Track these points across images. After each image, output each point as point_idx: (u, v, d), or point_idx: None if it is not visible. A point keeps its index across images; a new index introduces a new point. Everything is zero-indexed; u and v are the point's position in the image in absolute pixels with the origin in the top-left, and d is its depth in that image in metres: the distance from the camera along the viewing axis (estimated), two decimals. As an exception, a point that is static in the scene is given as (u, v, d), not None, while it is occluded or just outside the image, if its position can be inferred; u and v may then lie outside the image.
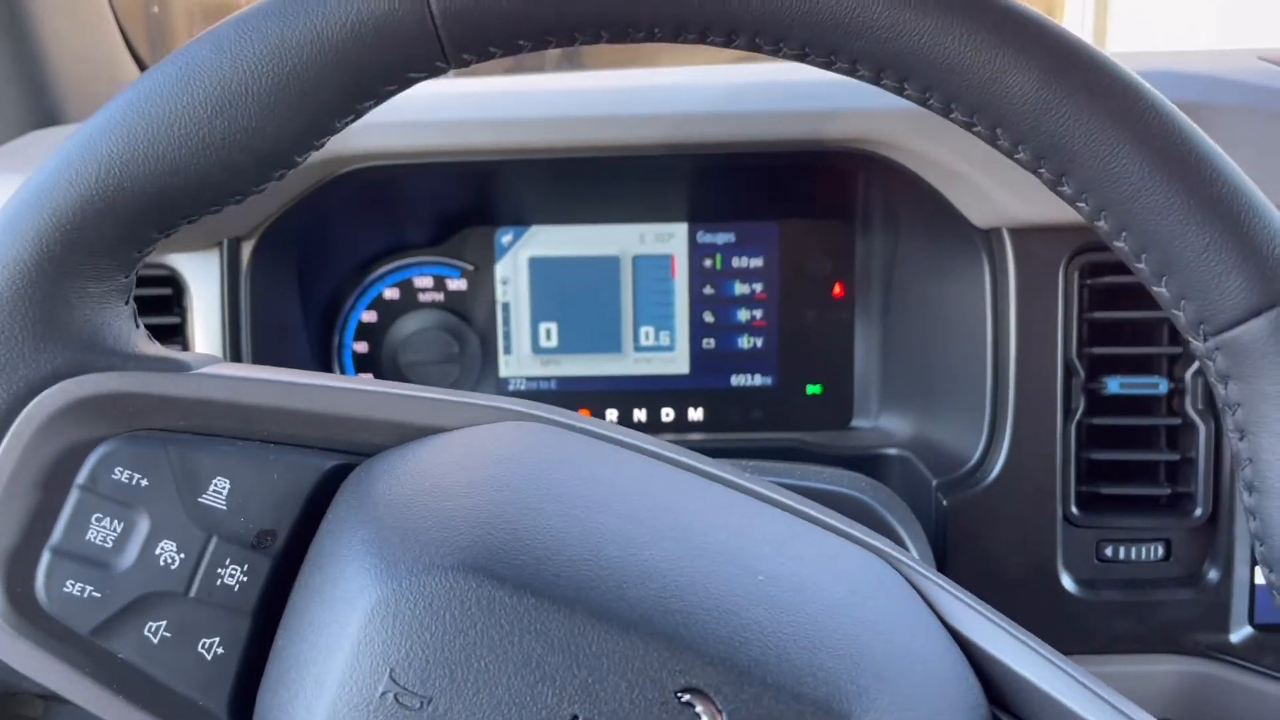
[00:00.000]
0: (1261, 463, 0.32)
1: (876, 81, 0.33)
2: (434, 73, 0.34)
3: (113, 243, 0.33)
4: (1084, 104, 0.31)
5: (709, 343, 0.83)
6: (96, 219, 0.32)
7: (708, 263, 0.82)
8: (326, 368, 0.82)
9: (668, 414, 0.84)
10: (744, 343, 0.83)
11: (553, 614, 0.29)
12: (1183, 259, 0.32)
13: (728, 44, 0.34)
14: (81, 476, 0.33)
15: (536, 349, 0.83)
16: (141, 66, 0.95)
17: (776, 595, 0.32)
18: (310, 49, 0.32)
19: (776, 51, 0.33)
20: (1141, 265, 0.33)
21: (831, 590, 0.33)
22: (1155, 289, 0.33)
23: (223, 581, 0.34)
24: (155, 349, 0.35)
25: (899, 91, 0.33)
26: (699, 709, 0.29)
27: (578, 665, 0.29)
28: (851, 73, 0.33)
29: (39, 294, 0.32)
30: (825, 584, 0.33)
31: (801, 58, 0.33)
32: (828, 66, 0.33)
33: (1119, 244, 0.33)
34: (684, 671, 0.29)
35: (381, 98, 0.34)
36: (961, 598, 0.36)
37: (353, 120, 0.34)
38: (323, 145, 0.34)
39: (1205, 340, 0.33)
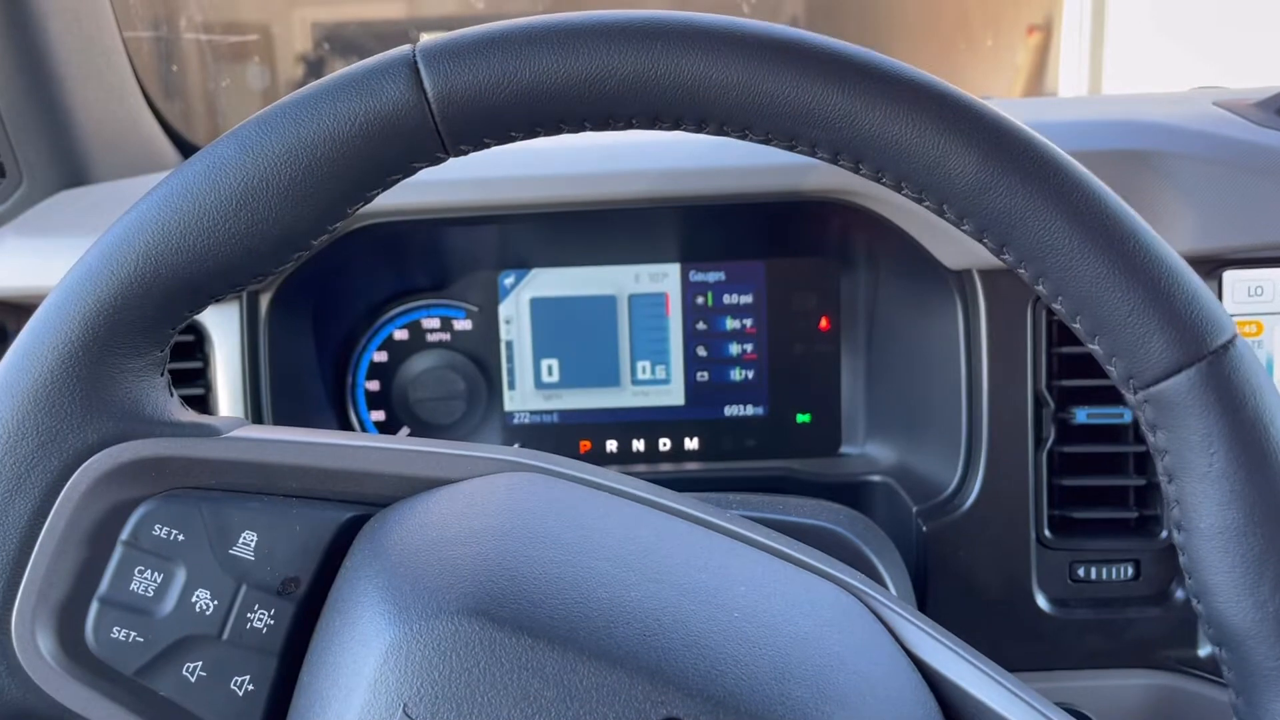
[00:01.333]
0: (1186, 504, 0.34)
1: (835, 162, 0.36)
2: (435, 162, 0.37)
3: (150, 323, 0.36)
4: (1018, 184, 0.34)
5: (703, 375, 0.85)
6: (136, 303, 0.35)
7: (700, 300, 0.84)
8: (341, 406, 0.85)
9: (665, 444, 0.85)
10: (736, 375, 0.85)
11: (547, 653, 0.31)
12: (1111, 322, 0.34)
13: (699, 130, 0.36)
14: (125, 533, 0.36)
15: (539, 384, 0.84)
16: (163, 124, 0.97)
17: (749, 631, 0.33)
18: (324, 146, 0.35)
19: (743, 137, 0.36)
20: (1077, 325, 0.35)
21: (800, 625, 0.35)
22: (1091, 346, 0.35)
23: (252, 625, 0.36)
24: (189, 415, 0.38)
25: (855, 170, 0.36)
26: None
27: (570, 699, 0.31)
28: (811, 154, 0.36)
29: (85, 371, 0.35)
30: (795, 619, 0.35)
31: (766, 142, 0.36)
32: (790, 149, 0.36)
33: (1057, 306, 0.35)
34: (665, 703, 0.31)
35: (388, 185, 0.37)
36: (923, 627, 0.39)
37: (362, 205, 0.37)
38: (337, 229, 0.37)
39: (1135, 394, 0.35)
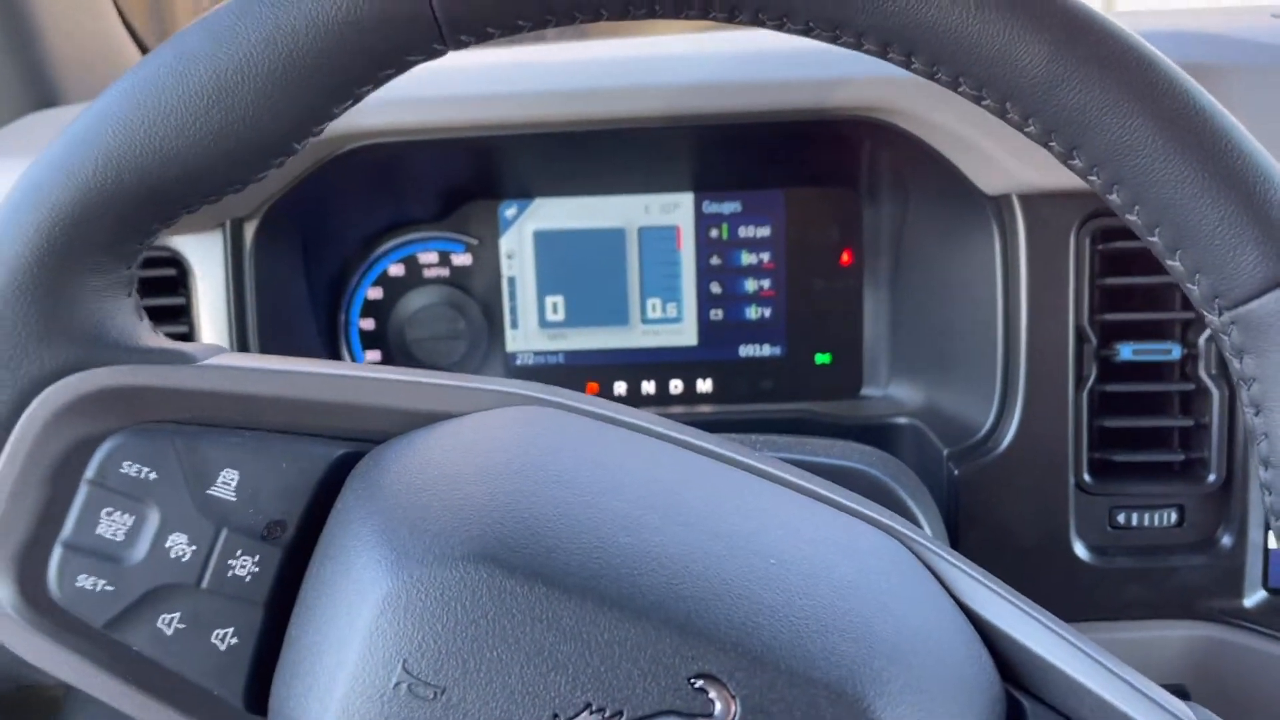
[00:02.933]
0: (1276, 438, 0.32)
1: (884, 56, 0.33)
2: (431, 55, 0.33)
3: (113, 235, 0.33)
4: (1095, 76, 0.31)
5: (717, 314, 0.83)
6: (96, 212, 0.32)
7: (714, 233, 0.82)
8: (334, 346, 0.83)
9: (676, 386, 0.84)
10: (752, 313, 0.83)
11: (564, 603, 0.29)
12: (1197, 232, 0.31)
13: (730, 20, 0.34)
14: (90, 471, 0.33)
15: (543, 323, 0.83)
16: (138, 43, 0.95)
17: (788, 579, 0.32)
18: (306, 35, 0.32)
19: (780, 27, 0.33)
20: (1155, 239, 0.32)
21: (843, 571, 0.33)
22: (1170, 262, 0.33)
23: (234, 573, 0.34)
24: (160, 341, 0.35)
25: (906, 65, 0.33)
26: (712, 695, 0.29)
27: (590, 653, 0.29)
28: (858, 47, 0.33)
29: (41, 290, 0.33)
30: (837, 565, 0.33)
31: (806, 33, 0.33)
32: (834, 41, 0.33)
33: (1132, 217, 0.33)
34: (697, 658, 0.29)
35: (379, 82, 0.34)
36: (973, 574, 0.36)
37: (350, 105, 0.34)
38: (321, 132, 0.34)
39: (1220, 315, 0.32)
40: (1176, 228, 0.32)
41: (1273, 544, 0.68)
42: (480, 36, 0.33)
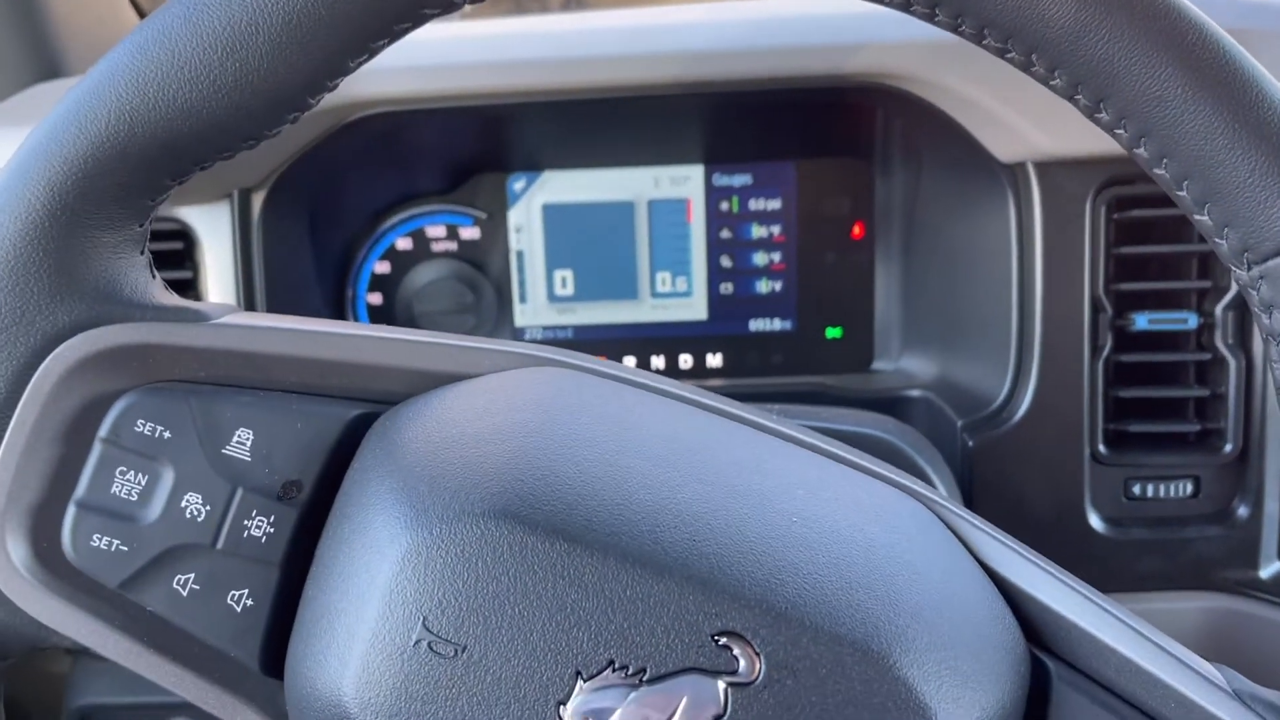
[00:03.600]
0: None
1: (907, 9, 0.32)
2: (448, 9, 0.33)
3: (126, 190, 0.33)
4: (1124, 25, 0.30)
5: (727, 287, 0.82)
6: (109, 165, 0.32)
7: (724, 206, 0.81)
8: (340, 319, 0.82)
9: (686, 360, 0.83)
10: (762, 287, 0.82)
11: (585, 559, 0.29)
12: (1227, 185, 0.31)
13: None
14: (104, 429, 0.33)
15: (552, 297, 0.82)
16: (141, 14, 0.93)
17: (811, 537, 0.31)
18: None
19: None
20: (1183, 193, 0.32)
21: (866, 530, 0.33)
22: (1197, 217, 0.32)
23: (250, 533, 0.33)
24: (173, 299, 0.35)
25: (930, 18, 0.32)
26: (736, 651, 0.29)
27: (612, 610, 0.29)
28: (882, 1, 0.32)
29: (53, 244, 0.32)
30: (859, 524, 0.33)
31: None
32: None
33: (1159, 171, 0.32)
34: (720, 615, 0.29)
35: (395, 36, 0.33)
36: (996, 536, 0.36)
37: (366, 60, 0.33)
38: (336, 86, 0.33)
39: (1249, 269, 0.32)
40: (1205, 181, 0.31)
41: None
42: None
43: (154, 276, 0.35)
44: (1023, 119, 0.64)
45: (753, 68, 0.67)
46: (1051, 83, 0.32)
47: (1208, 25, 0.31)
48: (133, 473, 0.33)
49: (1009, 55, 0.32)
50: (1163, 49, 0.30)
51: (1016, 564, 0.35)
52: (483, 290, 0.82)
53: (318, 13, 0.31)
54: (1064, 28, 0.31)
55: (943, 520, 0.36)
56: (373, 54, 0.33)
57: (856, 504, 0.34)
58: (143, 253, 0.35)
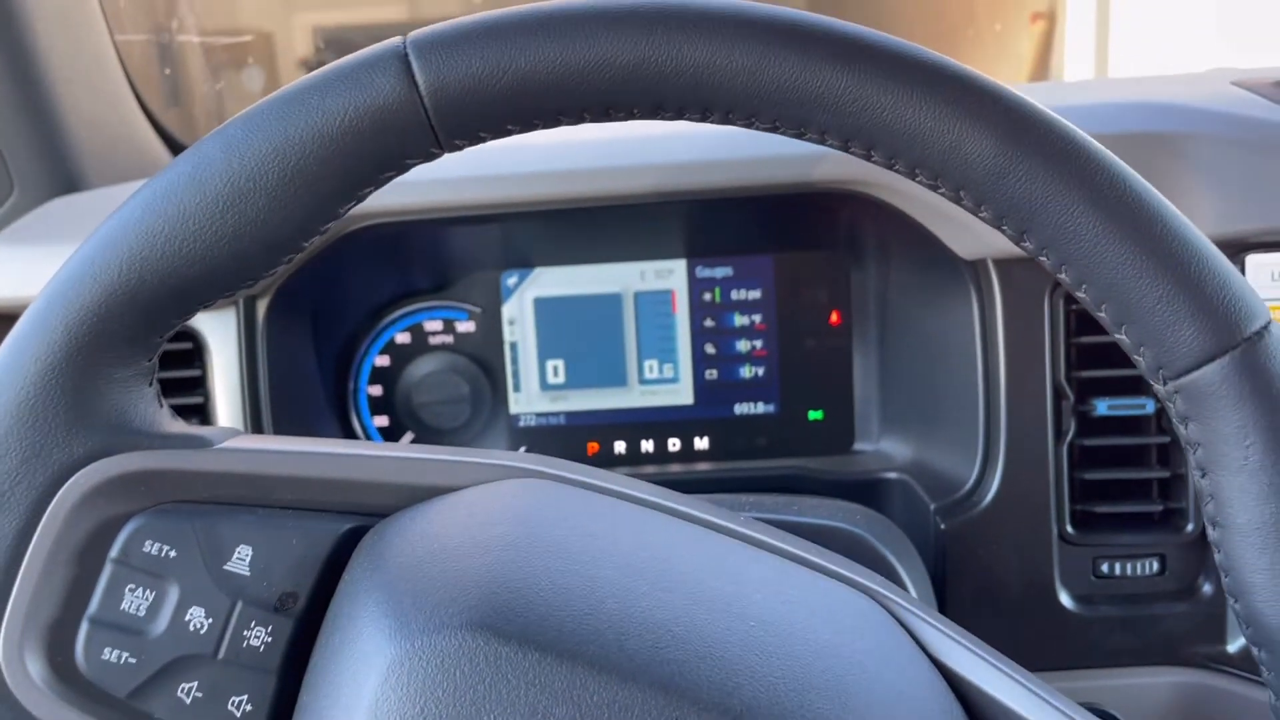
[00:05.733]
0: (1222, 499, 0.33)
1: (845, 149, 0.35)
2: (429, 158, 0.35)
3: (136, 331, 0.35)
4: (1038, 167, 0.33)
5: (712, 373, 0.84)
6: (120, 311, 0.34)
7: (707, 296, 0.83)
8: (343, 412, 0.84)
9: (674, 444, 0.85)
10: (746, 372, 0.84)
11: (556, 667, 0.30)
12: (1139, 310, 0.33)
13: (703, 119, 0.35)
14: (115, 550, 0.35)
15: (545, 385, 0.84)
16: (157, 129, 0.97)
17: (767, 640, 0.33)
18: (313, 144, 0.34)
19: (750, 125, 0.35)
20: (1103, 314, 0.34)
21: (820, 632, 0.34)
22: (1117, 335, 0.34)
23: (249, 643, 0.35)
24: (179, 426, 0.37)
25: (867, 157, 0.35)
26: None
27: (581, 715, 0.30)
28: (821, 141, 0.35)
29: (70, 382, 0.34)
30: (814, 626, 0.34)
31: (774, 130, 0.35)
32: (799, 137, 0.35)
33: (1081, 294, 0.34)
34: (680, 717, 0.30)
35: (381, 183, 0.36)
36: (945, 630, 0.38)
37: (355, 205, 0.36)
38: (328, 230, 0.36)
39: (1165, 384, 0.34)
40: (1120, 305, 0.33)
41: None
42: (473, 140, 0.35)
43: (161, 406, 0.37)
44: (980, 222, 0.67)
45: (724, 177, 0.70)
46: (980, 215, 0.35)
47: (1115, 165, 0.33)
48: (141, 590, 0.35)
49: (940, 191, 0.35)
50: (1074, 189, 0.33)
51: (960, 655, 0.37)
52: (478, 380, 0.84)
53: (310, 169, 0.34)
54: (985, 170, 0.33)
55: (895, 617, 0.38)
56: (360, 200, 0.36)
57: (812, 606, 0.36)
58: (151, 384, 0.37)
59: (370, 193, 0.36)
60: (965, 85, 0.33)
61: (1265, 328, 0.33)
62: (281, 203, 0.34)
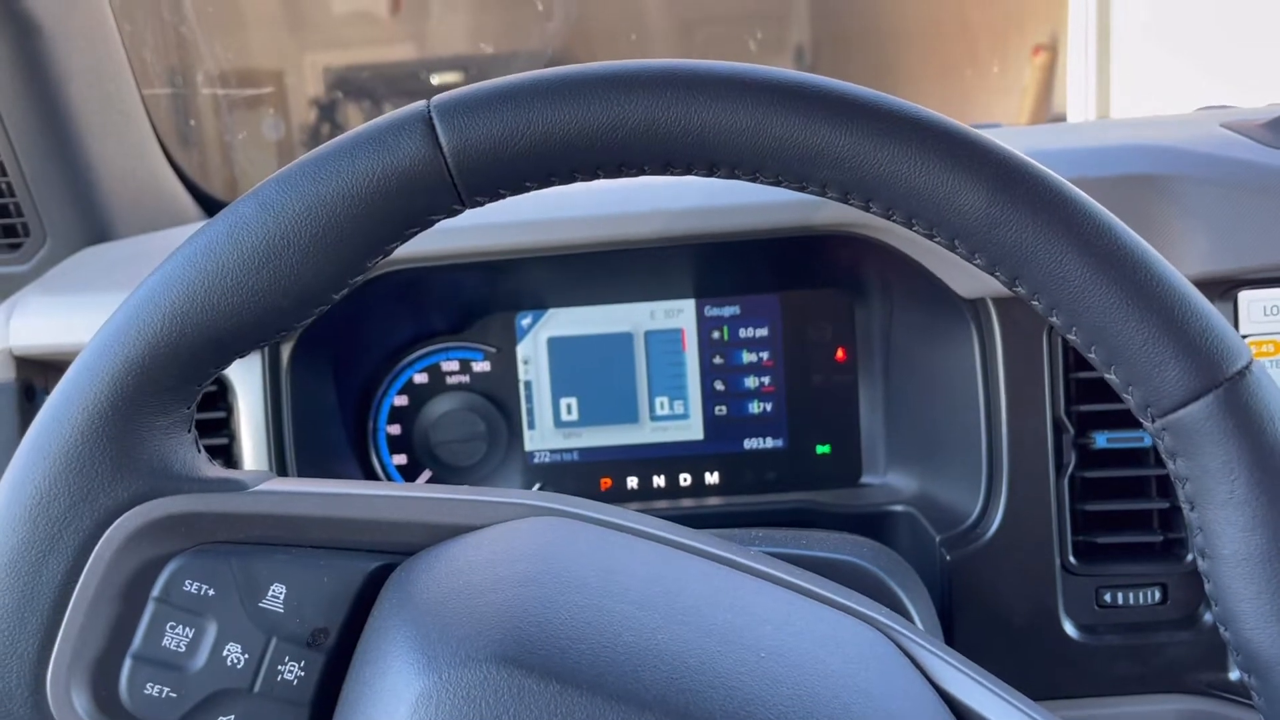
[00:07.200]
0: (1210, 531, 0.35)
1: (845, 201, 0.37)
2: (451, 214, 0.37)
3: (177, 381, 0.37)
4: (1028, 218, 0.34)
5: (721, 409, 0.85)
6: (163, 363, 0.36)
7: (716, 334, 0.85)
8: (363, 451, 0.86)
9: (685, 479, 0.86)
10: (754, 408, 0.85)
11: (576, 698, 0.31)
12: (1126, 351, 0.34)
13: (710, 175, 0.37)
14: (157, 590, 0.36)
15: (559, 423, 0.85)
16: (183, 180, 1.00)
17: (776, 670, 0.34)
18: (343, 203, 0.36)
19: (754, 179, 0.37)
20: (1093, 355, 0.36)
21: (827, 662, 0.35)
22: (1107, 375, 0.36)
23: (283, 677, 0.37)
24: (216, 471, 0.39)
25: (865, 209, 0.37)
26: None
27: None
28: (822, 194, 0.37)
29: (114, 431, 0.36)
30: (821, 657, 0.36)
31: (777, 184, 0.37)
32: (801, 190, 0.37)
33: (1072, 337, 0.36)
34: None
35: (406, 238, 0.38)
36: (951, 661, 0.39)
37: (382, 259, 0.38)
38: (358, 284, 0.38)
39: (1153, 422, 0.35)
40: (1108, 347, 0.35)
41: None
42: (494, 196, 0.37)
43: (199, 451, 0.39)
44: (979, 262, 0.68)
45: (728, 222, 0.72)
46: (974, 262, 0.36)
47: (1101, 214, 0.35)
48: (181, 627, 0.36)
49: (936, 239, 0.36)
50: (1062, 238, 0.34)
51: (965, 685, 0.38)
52: (494, 419, 0.86)
53: (340, 227, 0.36)
54: (978, 220, 0.35)
55: (900, 646, 0.39)
56: (388, 254, 0.38)
57: (819, 637, 0.37)
58: (190, 430, 0.39)
59: (396, 247, 0.38)
60: (958, 141, 0.35)
61: (1247, 367, 0.34)
62: (314, 259, 0.36)
